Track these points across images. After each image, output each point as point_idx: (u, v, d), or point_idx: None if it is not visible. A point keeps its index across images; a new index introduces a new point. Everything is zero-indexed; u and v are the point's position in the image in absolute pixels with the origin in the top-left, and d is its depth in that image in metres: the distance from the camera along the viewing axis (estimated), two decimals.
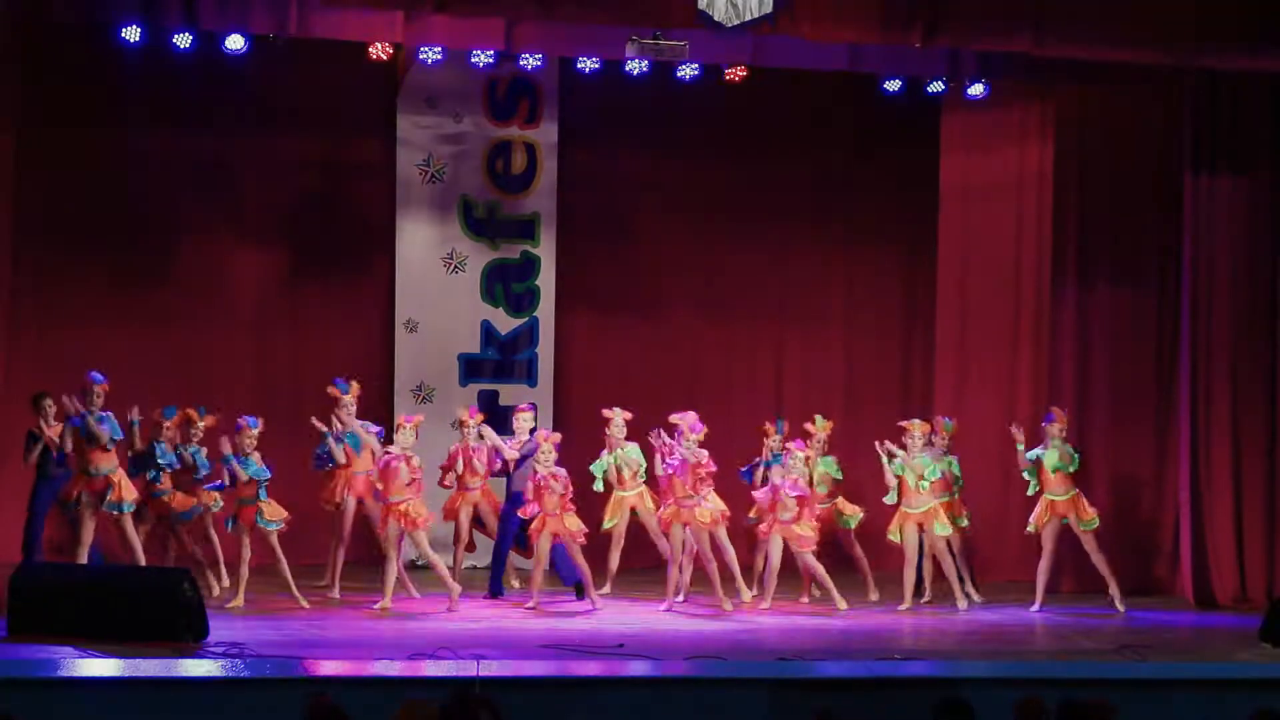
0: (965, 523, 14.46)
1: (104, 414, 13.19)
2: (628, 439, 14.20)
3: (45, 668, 10.25)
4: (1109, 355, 15.17)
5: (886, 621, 13.45)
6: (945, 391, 16.47)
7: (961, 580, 14.33)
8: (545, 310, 16.29)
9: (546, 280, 16.28)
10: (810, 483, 13.93)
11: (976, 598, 14.27)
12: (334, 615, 12.99)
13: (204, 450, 13.76)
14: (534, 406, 14.83)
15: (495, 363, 16.22)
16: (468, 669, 9.91)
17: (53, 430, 13.49)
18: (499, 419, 15.47)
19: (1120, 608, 13.95)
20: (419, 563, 14.49)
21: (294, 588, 13.17)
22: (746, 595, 13.82)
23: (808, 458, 13.90)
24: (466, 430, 14.27)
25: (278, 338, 16.09)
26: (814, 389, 16.78)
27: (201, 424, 13.80)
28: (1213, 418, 14.64)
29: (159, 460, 13.64)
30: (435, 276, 16.11)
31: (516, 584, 14.50)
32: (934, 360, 16.74)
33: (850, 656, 11.65)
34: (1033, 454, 13.98)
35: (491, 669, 9.98)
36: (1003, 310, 16.25)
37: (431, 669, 10.30)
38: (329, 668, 10.46)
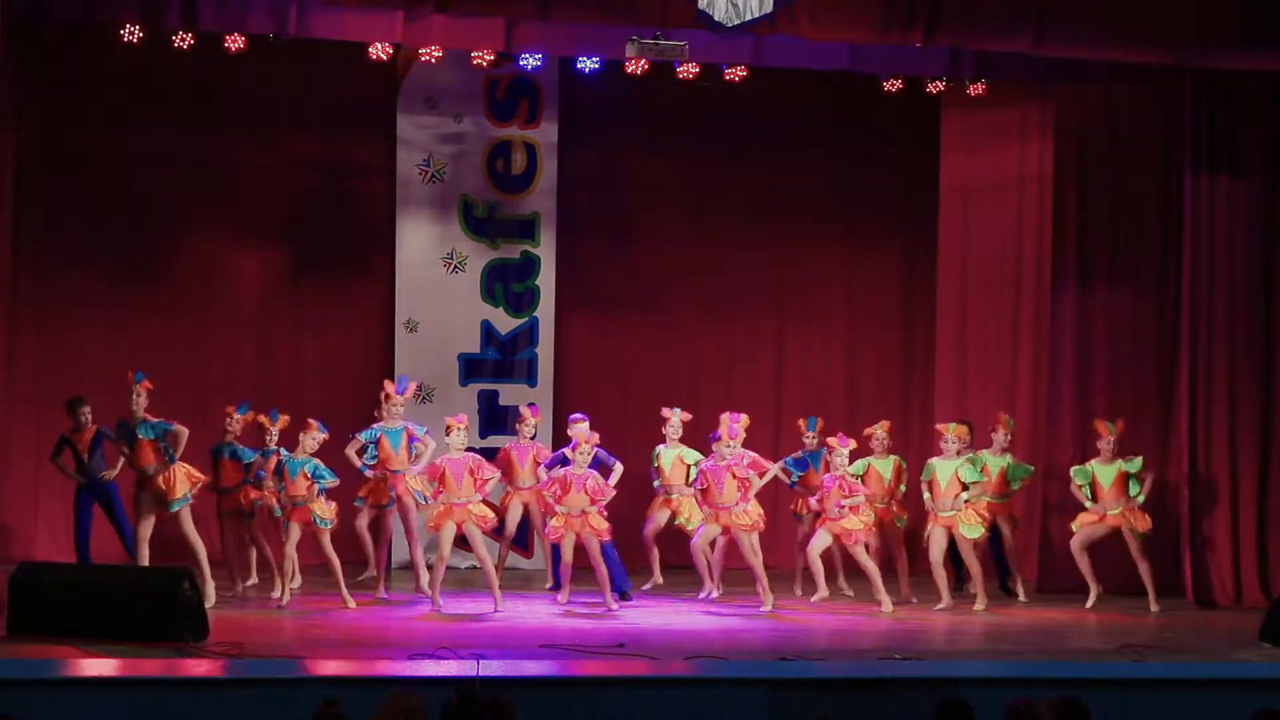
0: (1017, 522, 14.68)
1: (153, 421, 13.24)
2: (682, 440, 14.27)
3: (45, 668, 10.24)
4: (1109, 355, 15.18)
5: (887, 622, 13.45)
6: (945, 391, 16.51)
7: (1008, 576, 14.69)
8: (545, 310, 16.29)
9: (546, 280, 16.29)
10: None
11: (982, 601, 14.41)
12: (334, 615, 12.98)
13: (275, 452, 13.69)
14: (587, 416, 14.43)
15: (495, 363, 16.22)
16: (468, 669, 9.91)
17: (84, 436, 13.55)
18: (498, 419, 15.51)
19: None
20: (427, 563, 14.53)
21: (343, 587, 13.21)
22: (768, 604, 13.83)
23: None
24: (523, 428, 14.30)
25: (278, 337, 16.10)
26: (814, 388, 16.80)
27: (275, 428, 13.74)
28: (1212, 417, 14.65)
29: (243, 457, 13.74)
30: (435, 276, 16.11)
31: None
32: (934, 360, 16.76)
33: (850, 656, 11.65)
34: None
35: (491, 669, 9.98)
36: (1003, 310, 16.27)
37: (431, 669, 10.30)
38: (329, 668, 10.46)
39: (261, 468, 13.61)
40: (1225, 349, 14.71)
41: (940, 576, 13.95)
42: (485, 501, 13.37)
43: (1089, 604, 14.15)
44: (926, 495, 13.94)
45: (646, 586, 14.42)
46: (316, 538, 13.14)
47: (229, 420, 13.80)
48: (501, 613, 13.09)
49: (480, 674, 9.71)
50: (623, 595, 13.72)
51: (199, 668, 10.38)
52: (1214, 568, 14.62)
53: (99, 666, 10.44)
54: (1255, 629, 12.60)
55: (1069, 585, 14.63)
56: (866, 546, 13.84)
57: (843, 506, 13.65)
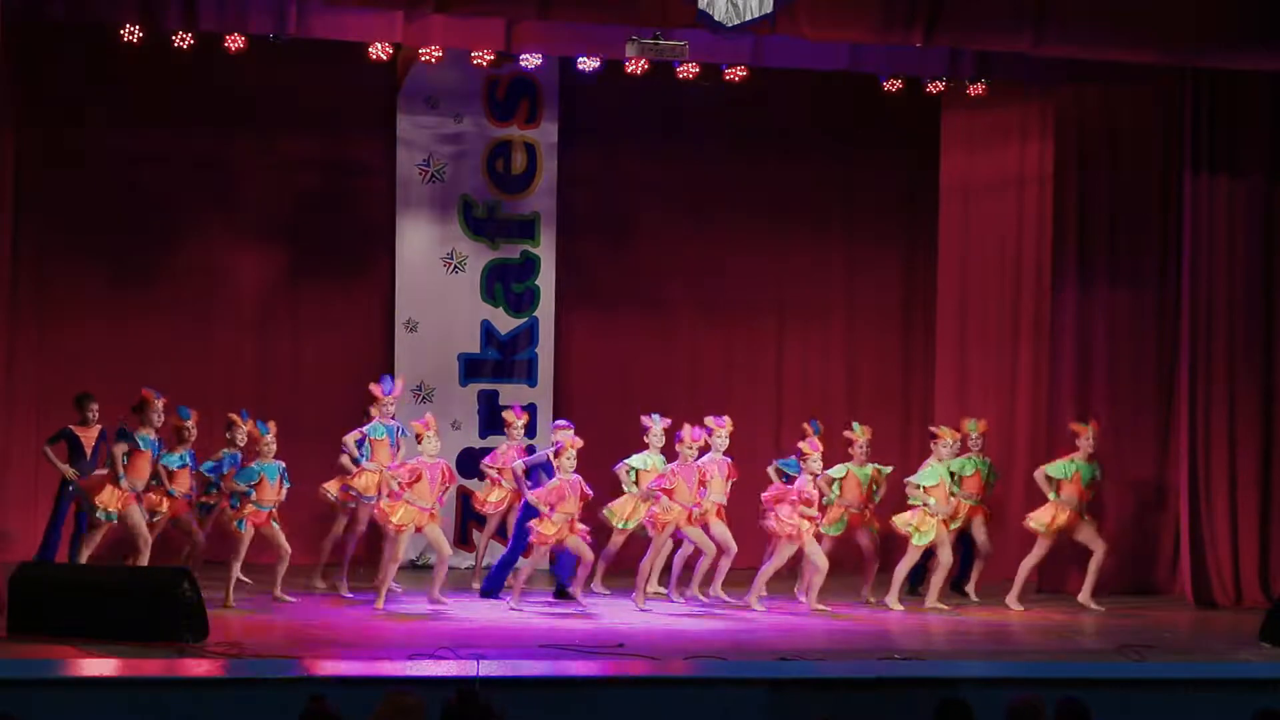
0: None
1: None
2: (663, 449, 14.27)
3: (45, 668, 10.24)
4: (1109, 355, 15.18)
5: (886, 622, 13.45)
6: (945, 391, 16.49)
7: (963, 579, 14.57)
8: (545, 310, 16.29)
9: (546, 280, 16.28)
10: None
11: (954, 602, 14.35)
12: (334, 615, 12.99)
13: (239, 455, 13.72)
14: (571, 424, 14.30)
15: (495, 363, 16.21)
16: (468, 669, 9.91)
17: (89, 433, 13.56)
18: (498, 419, 15.48)
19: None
20: (419, 562, 14.54)
21: (279, 582, 13.23)
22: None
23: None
24: (511, 431, 14.31)
25: (278, 337, 16.09)
26: (814, 389, 16.80)
27: (245, 428, 13.77)
28: (1212, 418, 14.65)
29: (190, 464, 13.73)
30: (435, 276, 16.11)
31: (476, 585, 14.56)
32: (934, 360, 16.76)
33: (850, 656, 11.65)
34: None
35: (491, 669, 9.98)
36: (1003, 310, 16.26)
37: (431, 669, 10.30)
38: (329, 668, 10.46)
39: (224, 477, 13.62)
40: (1225, 349, 14.71)
41: (941, 577, 13.97)
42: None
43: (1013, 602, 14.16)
44: (932, 500, 13.92)
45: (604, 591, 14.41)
46: (269, 540, 13.21)
47: (187, 431, 13.71)
48: (446, 608, 13.16)
49: (480, 674, 9.71)
50: (562, 594, 13.77)
51: (199, 668, 10.38)
52: (1214, 568, 14.62)
53: (99, 666, 10.45)
54: (1255, 629, 12.60)
55: (1067, 586, 14.62)
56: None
57: (823, 498, 13.72)
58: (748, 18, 12.62)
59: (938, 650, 12.47)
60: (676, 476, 13.60)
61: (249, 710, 9.60)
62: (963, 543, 14.56)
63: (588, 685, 10.22)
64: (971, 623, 13.62)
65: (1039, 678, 10.24)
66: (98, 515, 13.14)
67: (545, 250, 16.28)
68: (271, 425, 13.34)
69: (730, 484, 13.89)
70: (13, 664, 10.23)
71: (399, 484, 13.24)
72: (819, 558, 13.70)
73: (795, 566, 14.18)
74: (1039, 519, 14.14)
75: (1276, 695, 9.80)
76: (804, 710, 9.81)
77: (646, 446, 14.12)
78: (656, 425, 14.18)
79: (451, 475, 13.53)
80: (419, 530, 13.26)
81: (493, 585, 14.02)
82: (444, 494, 13.45)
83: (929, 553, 14.14)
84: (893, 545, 14.74)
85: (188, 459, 13.56)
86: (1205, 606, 14.45)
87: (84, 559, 13.12)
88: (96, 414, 13.68)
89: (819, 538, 13.86)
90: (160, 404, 13.28)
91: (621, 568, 14.41)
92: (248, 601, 13.28)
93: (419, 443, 13.40)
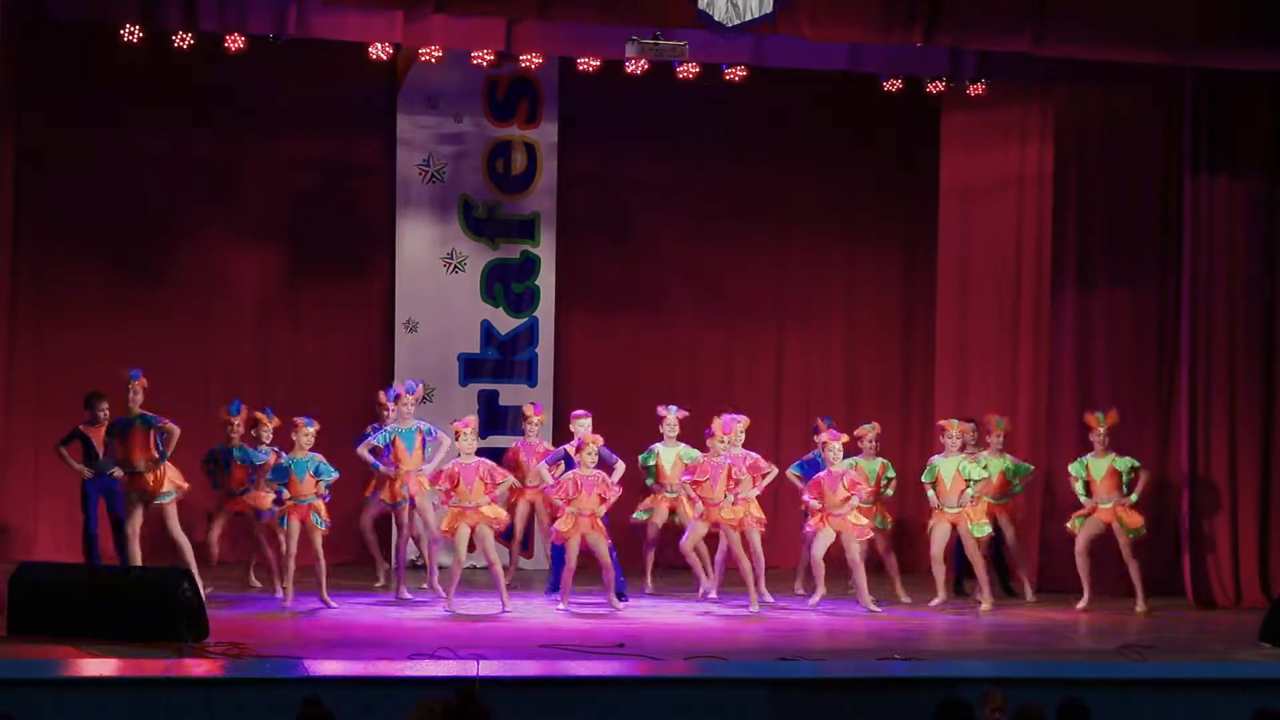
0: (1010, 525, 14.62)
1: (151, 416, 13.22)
2: (680, 438, 14.26)
3: (45, 668, 10.24)
4: (1109, 355, 15.18)
5: (886, 622, 13.45)
6: (945, 391, 16.49)
7: (1009, 576, 14.77)
8: (545, 310, 16.29)
9: (546, 280, 16.29)
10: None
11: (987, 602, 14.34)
12: (334, 615, 12.99)
13: (273, 453, 13.71)
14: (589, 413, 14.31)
15: (495, 363, 16.22)
16: (468, 669, 9.91)
17: (99, 432, 13.57)
18: (498, 419, 15.50)
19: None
20: (419, 562, 14.53)
21: (324, 588, 13.20)
22: (755, 605, 13.69)
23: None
24: (528, 426, 14.30)
25: (278, 337, 16.09)
26: (814, 388, 16.81)
27: (270, 425, 13.78)
28: (1212, 418, 14.65)
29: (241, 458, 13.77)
30: (435, 276, 16.12)
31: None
32: (934, 360, 16.76)
33: (850, 656, 11.66)
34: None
35: (491, 669, 9.98)
36: (1003, 310, 16.26)
37: (431, 669, 10.30)
38: (329, 668, 10.46)
39: (263, 469, 13.62)
40: (1225, 349, 14.71)
41: (939, 572, 14.00)
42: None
43: (1080, 605, 14.12)
44: (931, 493, 13.97)
45: (648, 590, 14.43)
46: (308, 537, 13.15)
47: (229, 426, 13.79)
48: (509, 613, 13.09)
49: (480, 674, 9.71)
50: (619, 596, 13.72)
51: (199, 668, 10.38)
52: (1214, 568, 14.63)
53: (99, 666, 10.44)
54: (1255, 629, 12.60)
55: (1068, 585, 14.61)
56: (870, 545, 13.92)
57: (848, 500, 13.66)
58: (748, 18, 12.63)
59: (938, 650, 12.47)
60: (706, 474, 13.58)
61: (249, 710, 9.61)
62: (994, 543, 14.56)
63: (588, 685, 10.22)
64: (971, 623, 13.62)
65: (1039, 678, 10.23)
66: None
67: (545, 250, 16.28)
68: (315, 421, 13.32)
69: (761, 483, 13.73)
70: (13, 664, 10.22)
71: (442, 493, 13.21)
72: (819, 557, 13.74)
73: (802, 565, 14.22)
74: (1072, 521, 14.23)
75: (1276, 695, 9.80)
76: (804, 710, 9.81)
77: (661, 438, 14.18)
78: (671, 415, 14.22)
79: (500, 471, 13.41)
80: (472, 529, 13.18)
81: (554, 586, 13.97)
82: (497, 490, 13.35)
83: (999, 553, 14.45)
84: (905, 543, 14.83)
85: (243, 454, 13.73)
86: (1205, 606, 14.45)
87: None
88: (108, 413, 13.66)
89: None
90: (137, 385, 13.24)
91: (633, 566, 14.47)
92: (250, 603, 13.27)
93: (457, 440, 13.36)
